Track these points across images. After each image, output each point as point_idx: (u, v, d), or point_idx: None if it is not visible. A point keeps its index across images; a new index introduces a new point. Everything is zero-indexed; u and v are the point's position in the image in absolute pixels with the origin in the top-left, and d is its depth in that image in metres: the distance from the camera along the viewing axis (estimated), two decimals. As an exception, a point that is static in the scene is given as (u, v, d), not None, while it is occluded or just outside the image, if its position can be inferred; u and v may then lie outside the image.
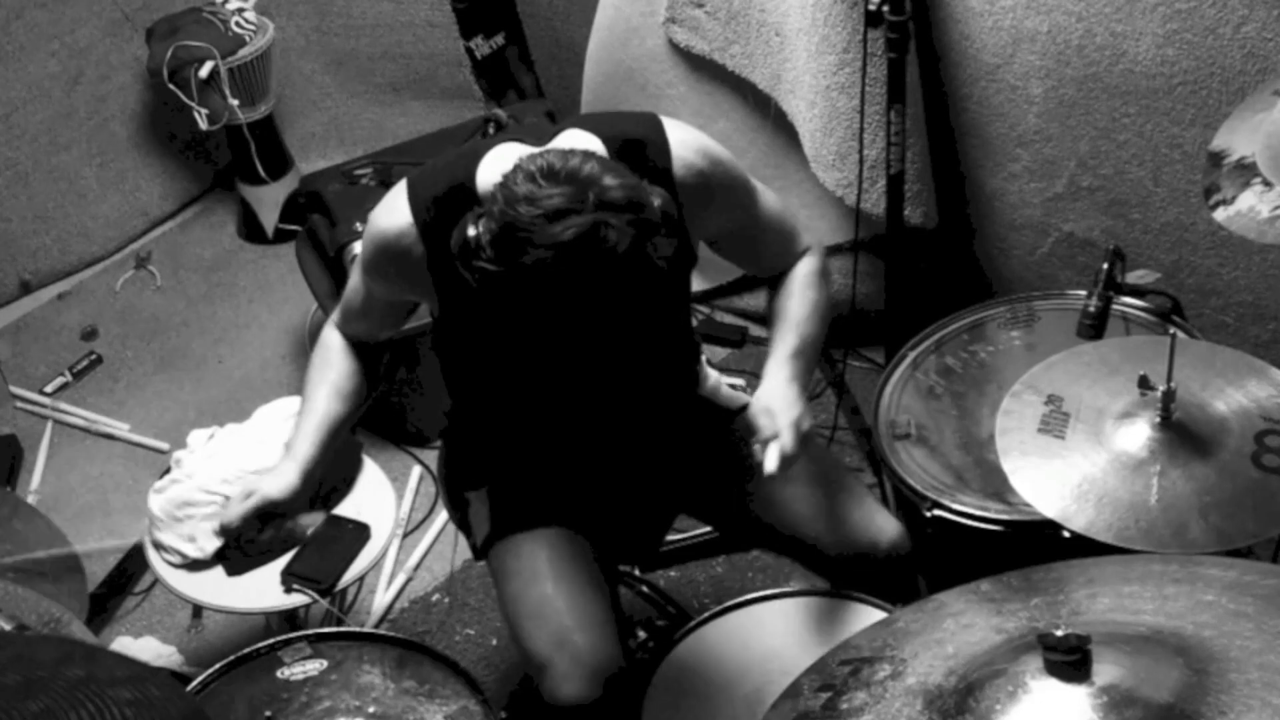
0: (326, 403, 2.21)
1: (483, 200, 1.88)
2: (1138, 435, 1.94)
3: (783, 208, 2.20)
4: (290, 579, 2.47)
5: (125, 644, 2.93)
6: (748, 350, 3.47)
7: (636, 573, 2.72)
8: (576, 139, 1.93)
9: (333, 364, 2.24)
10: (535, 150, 1.84)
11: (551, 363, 2.05)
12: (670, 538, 2.54)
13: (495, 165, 1.91)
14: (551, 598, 2.09)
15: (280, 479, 2.18)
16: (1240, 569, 1.43)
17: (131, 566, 3.08)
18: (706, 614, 2.17)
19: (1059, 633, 1.27)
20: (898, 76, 2.75)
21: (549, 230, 1.71)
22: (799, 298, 2.16)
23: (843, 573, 2.19)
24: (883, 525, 2.16)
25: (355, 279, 2.16)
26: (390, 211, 1.99)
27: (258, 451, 2.58)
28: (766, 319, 2.22)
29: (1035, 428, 2.01)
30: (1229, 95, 2.52)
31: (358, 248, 3.17)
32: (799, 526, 2.18)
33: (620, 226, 1.72)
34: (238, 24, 3.87)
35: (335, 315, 2.26)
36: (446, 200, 1.94)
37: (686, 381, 2.29)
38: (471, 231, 1.78)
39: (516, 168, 1.78)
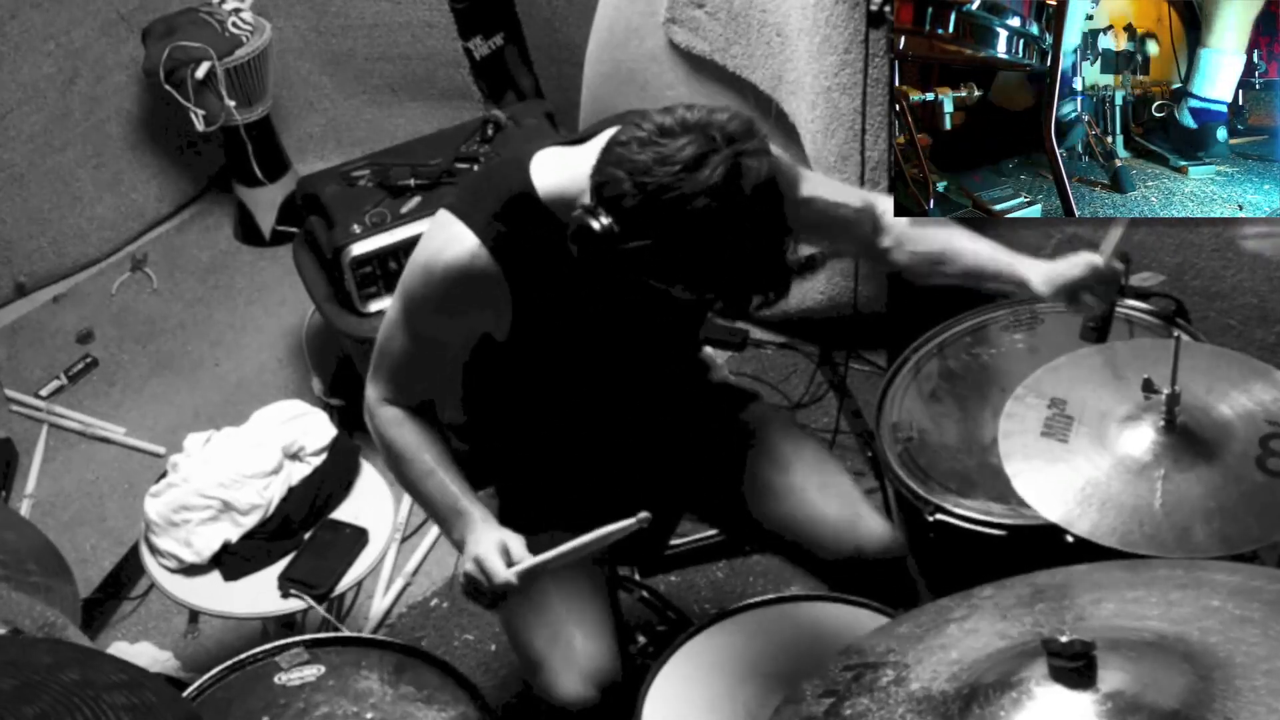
0: (449, 468, 2.05)
1: (552, 205, 1.85)
2: (1142, 439, 1.93)
3: (841, 186, 2.16)
4: (287, 584, 2.46)
5: (121, 649, 2.92)
6: (749, 353, 3.45)
7: (636, 577, 2.71)
8: None
9: (424, 435, 2.05)
10: (625, 129, 1.74)
11: (591, 362, 2.03)
12: (671, 542, 2.53)
13: (549, 168, 1.88)
14: (550, 595, 2.07)
15: (487, 534, 1.99)
16: (1246, 574, 1.43)
17: (127, 571, 3.07)
18: (707, 619, 2.16)
19: (1064, 638, 1.26)
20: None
21: (697, 179, 1.66)
22: (954, 232, 2.15)
23: (837, 575, 2.17)
24: (871, 527, 2.14)
25: (401, 342, 1.99)
26: (451, 242, 1.89)
27: (254, 455, 2.57)
28: (936, 267, 2.18)
29: (1038, 431, 2.00)
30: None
31: (356, 250, 3.17)
32: (788, 526, 2.17)
33: (754, 153, 1.69)
34: (234, 24, 3.85)
35: (381, 390, 2.05)
36: (507, 214, 1.89)
37: (694, 375, 2.29)
38: (596, 225, 1.70)
39: (623, 143, 1.71)
